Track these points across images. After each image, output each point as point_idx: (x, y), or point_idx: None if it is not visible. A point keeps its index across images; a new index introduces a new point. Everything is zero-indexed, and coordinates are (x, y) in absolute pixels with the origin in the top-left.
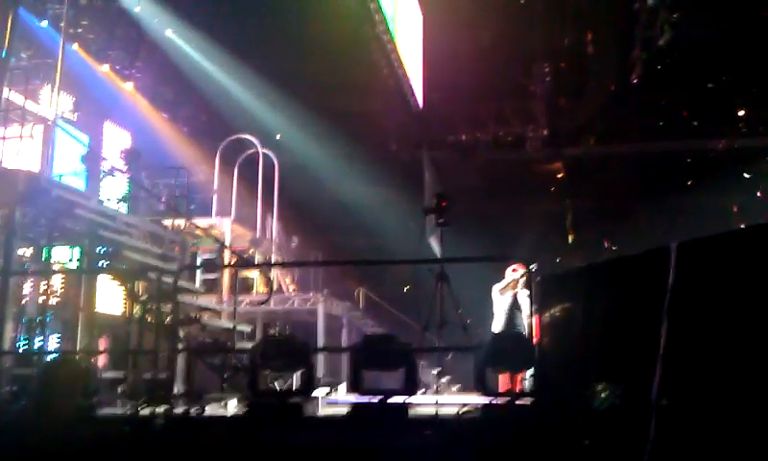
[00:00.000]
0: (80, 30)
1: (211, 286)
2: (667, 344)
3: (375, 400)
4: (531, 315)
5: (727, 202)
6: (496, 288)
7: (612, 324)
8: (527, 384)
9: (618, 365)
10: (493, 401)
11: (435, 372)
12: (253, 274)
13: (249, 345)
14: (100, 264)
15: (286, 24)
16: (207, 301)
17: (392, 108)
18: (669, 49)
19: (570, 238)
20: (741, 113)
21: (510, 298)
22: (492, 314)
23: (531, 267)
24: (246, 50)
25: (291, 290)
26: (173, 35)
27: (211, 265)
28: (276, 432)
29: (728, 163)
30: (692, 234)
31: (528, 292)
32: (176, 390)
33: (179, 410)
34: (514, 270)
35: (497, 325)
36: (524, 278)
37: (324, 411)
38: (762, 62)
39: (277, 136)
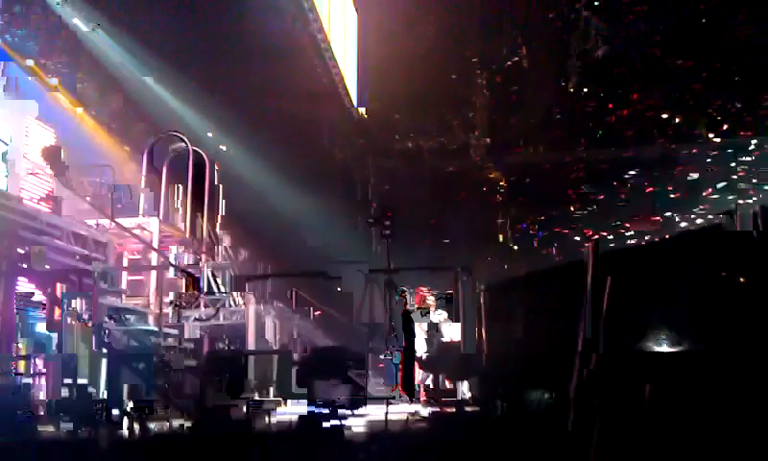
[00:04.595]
0: (1, 23)
1: (137, 288)
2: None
3: (324, 411)
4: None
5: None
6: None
7: (546, 330)
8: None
9: (554, 369)
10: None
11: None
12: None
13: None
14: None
15: (219, 27)
16: (134, 303)
17: (334, 114)
18: (603, 59)
19: (513, 246)
20: (675, 120)
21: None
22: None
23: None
24: (179, 54)
25: (240, 303)
26: (100, 33)
27: (136, 266)
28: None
29: (661, 167)
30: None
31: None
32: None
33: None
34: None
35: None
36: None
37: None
38: (689, 70)
39: (222, 147)
